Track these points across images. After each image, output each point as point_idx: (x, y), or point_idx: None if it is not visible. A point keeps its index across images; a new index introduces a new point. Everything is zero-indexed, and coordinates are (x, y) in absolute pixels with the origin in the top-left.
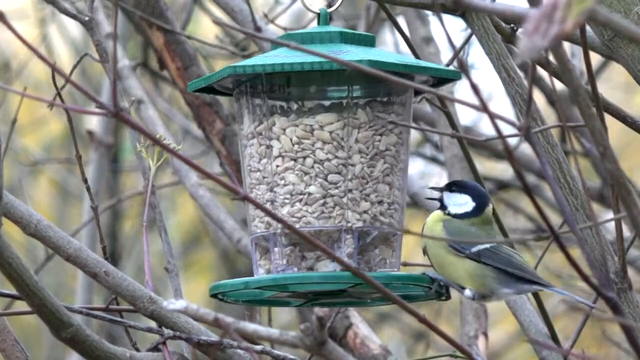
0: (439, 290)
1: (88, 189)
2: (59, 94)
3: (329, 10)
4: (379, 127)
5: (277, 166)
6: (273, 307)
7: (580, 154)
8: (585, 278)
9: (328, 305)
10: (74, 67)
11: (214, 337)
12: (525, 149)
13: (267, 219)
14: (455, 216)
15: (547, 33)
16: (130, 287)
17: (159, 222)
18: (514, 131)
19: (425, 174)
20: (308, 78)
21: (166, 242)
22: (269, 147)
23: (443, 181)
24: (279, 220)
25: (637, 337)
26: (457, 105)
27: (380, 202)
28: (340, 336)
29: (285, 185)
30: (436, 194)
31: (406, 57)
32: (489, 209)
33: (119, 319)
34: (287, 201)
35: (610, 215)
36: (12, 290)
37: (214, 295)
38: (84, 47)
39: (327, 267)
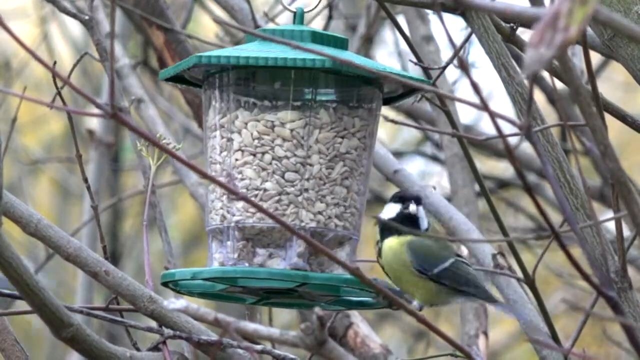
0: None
1: (88, 188)
2: (59, 94)
3: (306, 10)
4: (340, 129)
5: (237, 160)
6: (233, 304)
7: (581, 153)
8: (585, 277)
9: (278, 305)
10: (74, 66)
11: (214, 336)
12: (526, 147)
13: (222, 211)
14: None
15: (552, 42)
16: (131, 286)
17: (159, 221)
18: (514, 130)
19: (425, 174)
20: (274, 74)
21: (166, 241)
22: (230, 140)
23: (444, 180)
24: (279, 221)
25: (637, 337)
26: (458, 104)
27: (336, 205)
28: (340, 335)
29: (242, 179)
30: (412, 210)
31: (375, 63)
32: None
33: (119, 318)
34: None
35: (610, 214)
36: (13, 290)
37: (164, 284)
38: (85, 45)
39: (278, 265)
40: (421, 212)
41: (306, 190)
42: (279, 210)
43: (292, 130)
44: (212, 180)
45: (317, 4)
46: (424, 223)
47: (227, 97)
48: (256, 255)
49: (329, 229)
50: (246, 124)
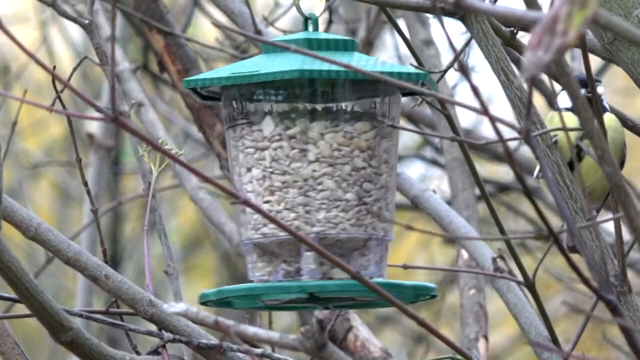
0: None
1: (88, 192)
2: (59, 98)
3: (318, 15)
4: (392, 137)
5: (314, 170)
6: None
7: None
8: (585, 281)
9: (338, 307)
10: (74, 70)
11: (214, 340)
12: (526, 151)
13: (297, 222)
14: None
15: (550, 46)
16: (131, 290)
17: (159, 225)
18: (514, 134)
19: (425, 177)
20: (351, 85)
21: (166, 245)
22: (303, 151)
23: (444, 184)
24: (283, 227)
25: (636, 340)
26: (458, 108)
27: (390, 212)
28: (340, 339)
29: (322, 190)
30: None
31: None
32: None
33: (119, 322)
34: (323, 206)
35: (610, 217)
36: (12, 294)
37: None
38: (85, 50)
39: (343, 274)
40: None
41: (378, 200)
42: (359, 221)
43: (367, 141)
44: (214, 184)
45: (324, 11)
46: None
47: (295, 108)
48: (324, 264)
49: (389, 236)
50: (323, 135)
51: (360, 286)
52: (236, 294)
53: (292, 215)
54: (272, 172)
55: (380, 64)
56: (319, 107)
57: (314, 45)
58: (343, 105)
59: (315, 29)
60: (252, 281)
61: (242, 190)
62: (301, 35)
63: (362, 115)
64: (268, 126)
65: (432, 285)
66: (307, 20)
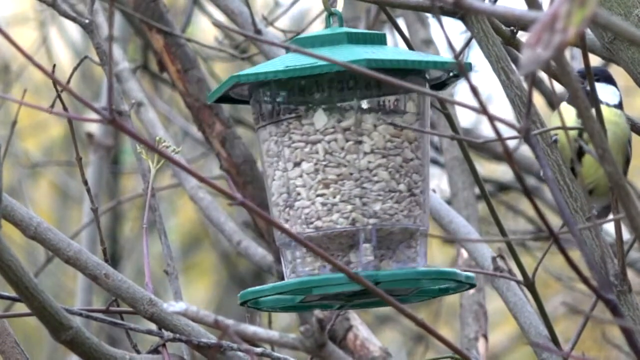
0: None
1: (88, 190)
2: (59, 97)
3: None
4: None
5: (369, 162)
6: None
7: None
8: (584, 280)
9: (359, 306)
10: (74, 70)
11: (214, 339)
12: (526, 151)
13: (353, 214)
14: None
15: (549, 44)
16: (131, 289)
17: (159, 224)
18: (513, 133)
19: None
20: (399, 76)
21: (165, 244)
22: (358, 142)
23: (443, 183)
24: (280, 228)
25: (636, 340)
26: (457, 108)
27: (427, 203)
28: (340, 338)
29: (377, 182)
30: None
31: (414, 53)
32: None
33: (119, 321)
34: (380, 197)
35: (610, 217)
36: (12, 293)
37: (243, 304)
38: (84, 49)
39: (389, 266)
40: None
41: (422, 191)
42: (411, 212)
43: (414, 132)
44: (211, 185)
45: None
46: (610, 101)
47: (348, 101)
48: (375, 257)
49: (426, 227)
50: (375, 126)
51: (412, 277)
52: (289, 289)
53: (349, 207)
54: (325, 165)
55: (408, 53)
56: (370, 99)
57: (353, 39)
58: (392, 97)
59: (341, 24)
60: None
61: (290, 185)
62: (338, 29)
63: (408, 107)
64: (320, 119)
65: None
66: (331, 16)
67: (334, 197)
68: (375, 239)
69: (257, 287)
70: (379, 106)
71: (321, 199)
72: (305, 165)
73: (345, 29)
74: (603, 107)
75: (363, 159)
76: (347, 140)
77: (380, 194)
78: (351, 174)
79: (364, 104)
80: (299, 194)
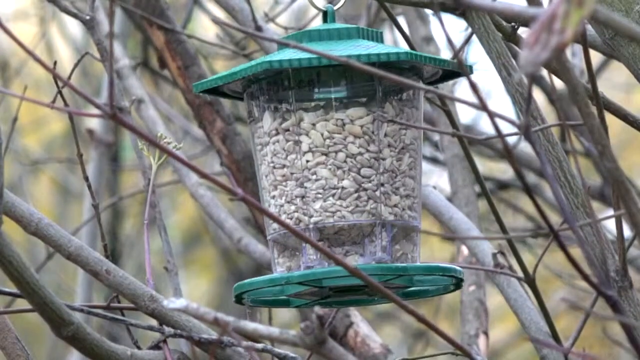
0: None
1: (89, 186)
2: (60, 93)
3: (335, 8)
4: (404, 120)
5: (307, 161)
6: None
7: (581, 153)
8: (585, 277)
9: (338, 304)
10: (74, 66)
11: (215, 335)
12: (527, 147)
13: (296, 214)
14: None
15: (547, 44)
16: (132, 285)
17: (159, 221)
18: (513, 130)
19: (425, 173)
20: (337, 73)
21: (166, 241)
22: (298, 142)
23: (442, 181)
24: (280, 222)
25: (637, 336)
26: (458, 104)
27: (407, 196)
28: (340, 335)
29: (317, 180)
30: None
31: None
32: None
33: (120, 317)
34: (319, 196)
35: (611, 213)
36: (13, 289)
37: (238, 297)
38: (85, 46)
39: (356, 262)
40: None
41: (382, 184)
42: (359, 207)
43: (362, 127)
44: (212, 180)
45: (344, 2)
46: None
47: (287, 101)
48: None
49: (405, 220)
50: (314, 124)
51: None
52: (295, 280)
53: (293, 207)
54: (274, 167)
55: (383, 49)
56: (311, 97)
57: (314, 37)
58: (332, 93)
59: (332, 20)
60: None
61: (260, 187)
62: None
63: (354, 102)
64: (267, 121)
65: (457, 267)
66: (325, 13)
67: (281, 199)
68: (317, 239)
69: (260, 278)
70: (318, 104)
71: (273, 201)
72: (262, 168)
73: (355, 26)
74: None
75: (302, 158)
76: (287, 141)
77: (320, 192)
78: (292, 174)
79: (300, 104)
80: (264, 196)
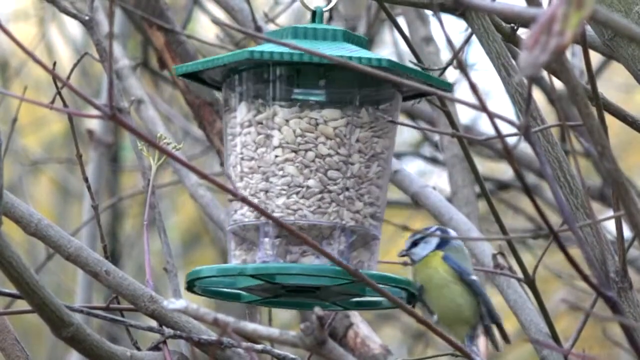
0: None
1: (89, 187)
2: (59, 94)
3: (325, 9)
4: (377, 129)
5: (277, 156)
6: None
7: (581, 154)
8: (585, 278)
9: (282, 305)
10: (74, 67)
11: (214, 336)
12: (527, 148)
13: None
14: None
15: (547, 46)
16: (131, 286)
17: (159, 222)
18: (513, 130)
19: (425, 174)
20: (317, 72)
21: (165, 242)
22: (269, 136)
23: (442, 181)
24: (271, 218)
25: (636, 336)
26: (457, 105)
27: (371, 204)
28: (340, 336)
29: (283, 176)
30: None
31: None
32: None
33: (119, 318)
34: (283, 192)
35: (611, 214)
36: (13, 290)
37: (191, 283)
38: (84, 46)
39: (312, 262)
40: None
41: (347, 189)
42: (321, 208)
43: (335, 129)
44: (211, 180)
45: (336, 2)
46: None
47: (264, 93)
48: (289, 253)
49: (365, 227)
50: (287, 121)
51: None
52: (211, 273)
53: (256, 200)
54: (242, 158)
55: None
56: (288, 93)
57: (300, 35)
58: (310, 92)
59: (320, 21)
60: None
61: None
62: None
63: (330, 103)
64: (241, 112)
65: (406, 278)
66: (315, 13)
67: (245, 190)
68: (275, 235)
69: (214, 266)
70: (295, 101)
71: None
72: (231, 158)
73: (341, 28)
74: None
75: (271, 153)
76: (259, 134)
77: (285, 189)
78: (260, 167)
79: (281, 99)
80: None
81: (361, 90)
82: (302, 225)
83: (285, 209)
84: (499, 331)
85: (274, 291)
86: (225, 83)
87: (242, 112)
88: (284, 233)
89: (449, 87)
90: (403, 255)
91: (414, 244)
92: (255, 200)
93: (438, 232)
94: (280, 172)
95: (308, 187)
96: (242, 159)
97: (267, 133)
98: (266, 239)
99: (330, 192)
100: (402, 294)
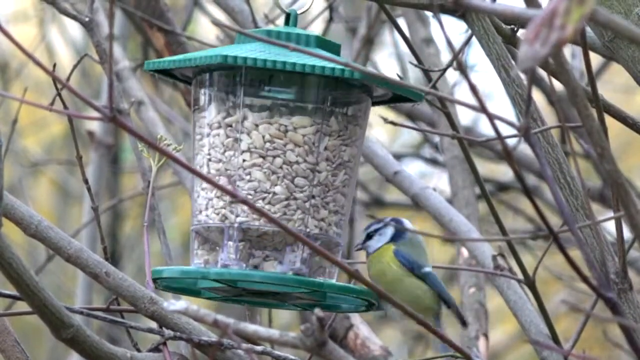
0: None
1: (89, 189)
2: (59, 95)
3: (300, 12)
4: (346, 137)
5: (244, 160)
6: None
7: (581, 155)
8: (584, 279)
9: (252, 303)
10: (74, 68)
11: (214, 337)
12: (528, 149)
13: (224, 210)
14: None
15: (547, 40)
16: (131, 287)
17: (158, 223)
18: (513, 132)
19: (425, 175)
20: (291, 79)
21: (165, 244)
22: (237, 140)
23: (442, 183)
24: (284, 227)
25: (636, 338)
26: (458, 106)
27: (336, 212)
28: (340, 337)
29: (250, 181)
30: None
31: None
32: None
33: (119, 319)
34: (249, 197)
35: (611, 215)
36: (13, 291)
37: (154, 280)
38: (84, 47)
39: (274, 268)
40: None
41: (313, 196)
42: (286, 215)
43: (304, 136)
44: (212, 183)
45: (310, 6)
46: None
47: (234, 96)
48: (252, 257)
49: (329, 235)
50: (257, 125)
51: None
52: (174, 275)
53: (221, 203)
54: (209, 160)
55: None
56: (259, 98)
57: (273, 37)
58: (281, 98)
59: (294, 24)
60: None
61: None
62: (263, 30)
63: (300, 110)
64: (211, 113)
65: (362, 288)
66: (289, 16)
67: (211, 192)
68: (239, 239)
69: (178, 268)
70: (265, 106)
71: (203, 193)
72: (197, 158)
73: (315, 33)
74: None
75: (239, 156)
76: (228, 137)
77: (251, 194)
78: (227, 170)
79: (247, 102)
80: (195, 185)
81: (332, 97)
82: (267, 231)
83: (250, 213)
84: (457, 316)
85: (236, 292)
86: (196, 80)
87: (211, 113)
88: (247, 237)
89: (419, 98)
90: (359, 249)
91: (369, 236)
92: (221, 203)
93: (392, 223)
94: (248, 177)
95: (275, 193)
96: (209, 160)
97: (236, 136)
98: (230, 242)
99: (296, 199)
100: (362, 304)
